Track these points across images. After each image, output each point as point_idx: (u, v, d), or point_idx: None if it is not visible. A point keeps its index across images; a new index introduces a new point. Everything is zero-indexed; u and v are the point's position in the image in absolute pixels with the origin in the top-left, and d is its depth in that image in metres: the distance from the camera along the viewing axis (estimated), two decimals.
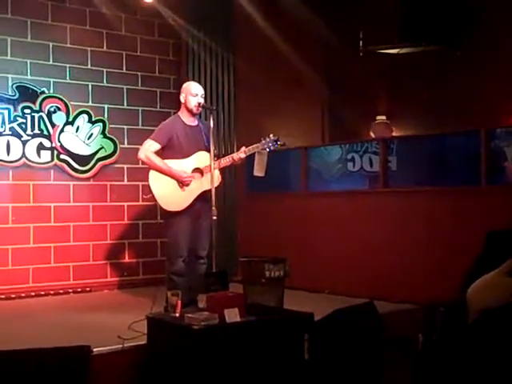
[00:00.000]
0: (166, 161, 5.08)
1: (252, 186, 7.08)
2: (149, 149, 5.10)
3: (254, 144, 5.24)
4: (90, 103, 6.87)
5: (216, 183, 4.99)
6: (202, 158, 5.11)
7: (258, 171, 5.38)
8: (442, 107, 7.51)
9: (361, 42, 7.94)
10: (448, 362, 2.97)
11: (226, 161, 5.21)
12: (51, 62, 6.65)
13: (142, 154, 5.13)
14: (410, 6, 7.23)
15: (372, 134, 7.61)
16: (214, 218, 4.84)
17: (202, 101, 5.17)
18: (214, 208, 4.84)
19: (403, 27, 7.24)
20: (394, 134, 8.06)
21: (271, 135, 5.24)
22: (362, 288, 5.70)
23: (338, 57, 8.27)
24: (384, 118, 8.56)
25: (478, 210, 5.31)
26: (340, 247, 6.26)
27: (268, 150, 5.25)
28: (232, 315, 3.79)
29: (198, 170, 5.12)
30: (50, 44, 6.65)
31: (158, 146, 5.10)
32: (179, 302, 4.01)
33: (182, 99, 5.20)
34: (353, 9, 7.83)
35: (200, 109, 5.22)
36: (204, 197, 5.06)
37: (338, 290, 6.01)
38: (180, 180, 5.06)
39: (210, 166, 4.94)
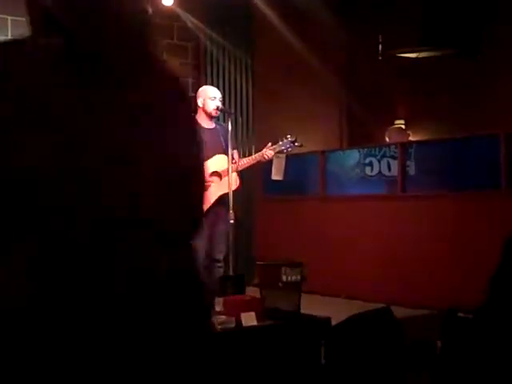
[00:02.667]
0: None
1: (269, 189, 7.07)
2: None
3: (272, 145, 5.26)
4: None
5: (234, 187, 4.99)
6: (220, 162, 5.12)
7: (277, 175, 5.39)
8: (461, 111, 7.47)
9: (380, 46, 7.92)
10: (470, 369, 2.94)
11: (248, 160, 5.24)
12: None
13: None
14: (430, 9, 7.19)
15: (387, 140, 7.58)
16: (232, 221, 4.84)
17: (220, 104, 5.18)
18: (231, 211, 4.84)
19: (423, 31, 7.20)
20: (412, 138, 8.02)
21: (288, 136, 5.25)
22: (378, 293, 5.68)
23: (358, 60, 8.25)
24: (402, 121, 8.52)
25: (498, 213, 5.26)
26: (357, 252, 6.24)
27: (285, 151, 5.26)
28: (249, 319, 3.78)
29: (216, 174, 5.13)
30: None
31: None
32: None
33: (199, 103, 5.20)
34: (372, 12, 7.81)
35: (218, 112, 5.24)
36: (221, 200, 5.07)
37: (354, 295, 5.99)
38: None
39: (228, 169, 4.95)
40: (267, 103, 7.62)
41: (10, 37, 6.39)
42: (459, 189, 5.74)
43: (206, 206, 5.07)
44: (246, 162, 5.22)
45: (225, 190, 5.04)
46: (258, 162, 5.32)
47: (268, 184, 6.69)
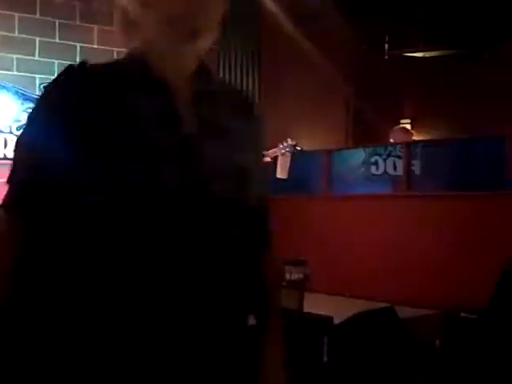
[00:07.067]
0: None
1: (274, 188, 7.04)
2: None
3: (273, 149, 5.27)
4: None
5: None
6: None
7: (281, 174, 5.40)
8: (468, 111, 7.46)
9: (386, 45, 7.92)
10: (470, 369, 2.95)
11: None
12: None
13: None
14: (437, 9, 7.18)
15: (391, 140, 7.58)
16: None
17: None
18: None
19: (428, 31, 7.20)
20: (417, 137, 8.01)
21: (289, 140, 5.25)
22: (382, 292, 5.67)
23: (364, 60, 8.25)
24: (408, 121, 8.51)
25: (503, 214, 5.26)
26: (361, 251, 6.23)
27: (285, 154, 5.27)
28: (252, 317, 3.79)
29: None
30: (78, 45, 6.72)
31: None
32: None
33: None
34: (379, 12, 7.80)
35: None
36: None
37: (358, 294, 5.99)
38: None
39: None
40: (273, 101, 7.61)
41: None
42: (465, 189, 5.73)
43: None
44: None
45: None
46: None
47: (272, 183, 6.70)
